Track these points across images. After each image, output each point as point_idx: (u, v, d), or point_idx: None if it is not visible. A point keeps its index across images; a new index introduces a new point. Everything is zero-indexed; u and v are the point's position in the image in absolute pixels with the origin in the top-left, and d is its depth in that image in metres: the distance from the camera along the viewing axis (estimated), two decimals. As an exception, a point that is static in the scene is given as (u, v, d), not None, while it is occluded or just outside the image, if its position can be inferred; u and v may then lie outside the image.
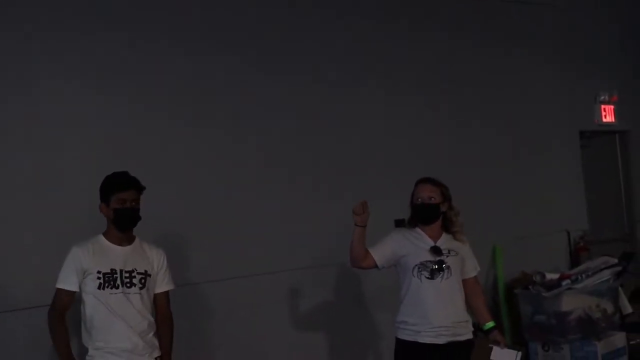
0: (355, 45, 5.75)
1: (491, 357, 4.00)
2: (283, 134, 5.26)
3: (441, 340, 3.88)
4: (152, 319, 3.62)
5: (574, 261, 7.07)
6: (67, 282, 3.50)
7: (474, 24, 6.67)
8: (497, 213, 6.50)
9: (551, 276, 5.91)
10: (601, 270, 5.99)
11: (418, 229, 4.05)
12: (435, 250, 3.95)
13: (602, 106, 7.81)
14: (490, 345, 4.01)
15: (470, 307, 4.11)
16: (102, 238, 3.59)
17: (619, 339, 5.83)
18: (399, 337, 4.00)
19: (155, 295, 3.68)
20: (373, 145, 5.75)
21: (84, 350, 3.57)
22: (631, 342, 6.09)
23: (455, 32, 6.49)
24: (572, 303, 5.71)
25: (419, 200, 4.00)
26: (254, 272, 4.95)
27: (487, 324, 4.09)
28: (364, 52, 5.80)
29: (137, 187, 3.57)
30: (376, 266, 4.01)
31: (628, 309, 6.24)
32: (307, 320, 5.22)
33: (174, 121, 4.74)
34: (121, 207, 3.52)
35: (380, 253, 3.99)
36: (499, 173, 6.66)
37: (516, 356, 4.00)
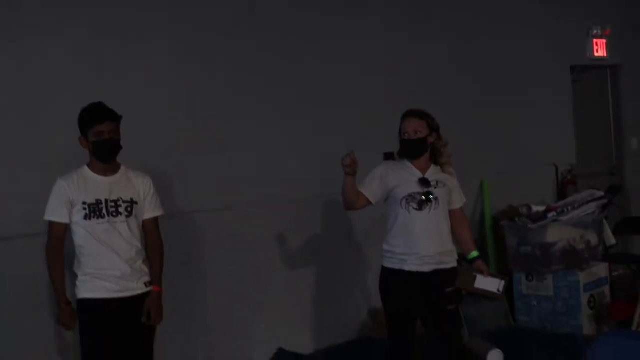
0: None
1: (475, 285, 4.11)
2: (271, 71, 5.24)
3: (426, 268, 3.99)
4: (140, 247, 3.70)
5: (561, 194, 7.15)
6: (57, 214, 3.57)
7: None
8: (486, 147, 6.56)
9: (537, 208, 5.99)
10: (587, 202, 6.07)
11: (406, 161, 4.11)
12: (424, 182, 4.03)
13: (595, 40, 7.78)
14: (474, 274, 4.11)
15: (455, 237, 4.22)
16: (86, 169, 3.63)
17: (601, 270, 5.95)
18: (385, 265, 4.11)
19: (144, 222, 3.74)
20: (361, 78, 5.72)
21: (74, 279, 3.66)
22: (613, 274, 6.23)
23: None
24: (557, 235, 5.81)
25: (405, 135, 4.04)
26: (243, 203, 5.00)
27: (471, 253, 4.20)
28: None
29: (113, 117, 3.58)
30: (370, 203, 4.09)
31: (612, 240, 6.35)
32: (295, 251, 5.30)
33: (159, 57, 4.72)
34: (99, 139, 3.54)
35: (371, 190, 4.07)
36: (489, 107, 6.68)
37: (499, 284, 4.11)
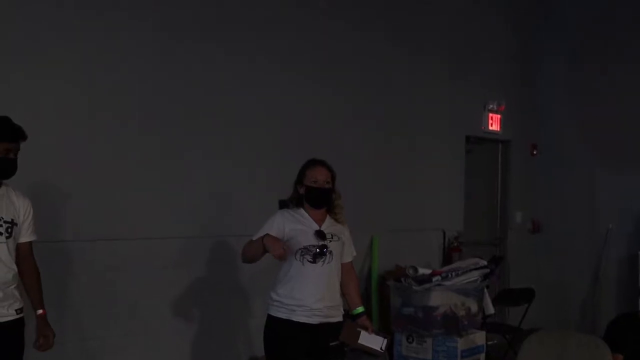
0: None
1: (359, 341, 4.07)
2: (169, 112, 5.17)
3: (314, 321, 3.94)
4: (16, 270, 3.48)
5: (446, 259, 7.31)
6: None
7: (371, 19, 6.69)
8: (379, 205, 6.64)
9: (423, 271, 6.08)
10: (471, 270, 6.21)
11: (302, 211, 4.05)
12: (320, 235, 3.97)
13: (490, 114, 8.09)
14: (358, 329, 4.07)
15: (342, 290, 4.18)
16: None
17: (479, 337, 6.07)
18: (273, 314, 4.01)
19: (19, 245, 3.53)
20: (257, 123, 5.70)
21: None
22: (489, 342, 6.37)
23: (360, 24, 6.51)
24: (440, 299, 5.90)
25: (315, 183, 3.99)
26: (130, 236, 4.85)
27: (357, 308, 4.17)
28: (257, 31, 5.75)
29: (16, 137, 3.39)
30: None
31: (491, 310, 6.51)
32: (177, 290, 5.16)
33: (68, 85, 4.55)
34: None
35: None
36: (385, 167, 6.79)
37: (382, 342, 4.09)
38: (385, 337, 4.13)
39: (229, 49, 5.51)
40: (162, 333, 5.05)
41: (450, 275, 6.05)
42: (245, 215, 5.26)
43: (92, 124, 4.73)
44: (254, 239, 3.95)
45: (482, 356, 6.07)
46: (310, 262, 3.93)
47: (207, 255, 5.36)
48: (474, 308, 6.14)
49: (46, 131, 4.34)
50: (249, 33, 5.61)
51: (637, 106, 7.98)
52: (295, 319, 3.93)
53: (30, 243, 3.59)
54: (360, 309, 4.17)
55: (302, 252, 3.94)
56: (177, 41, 5.18)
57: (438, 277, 5.99)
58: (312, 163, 4.06)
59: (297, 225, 3.99)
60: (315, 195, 4.01)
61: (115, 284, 4.79)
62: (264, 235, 3.85)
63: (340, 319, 4.08)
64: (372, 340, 4.08)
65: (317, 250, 3.93)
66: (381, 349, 4.10)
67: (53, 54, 4.54)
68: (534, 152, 8.69)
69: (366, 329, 4.09)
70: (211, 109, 5.40)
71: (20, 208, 3.50)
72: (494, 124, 8.15)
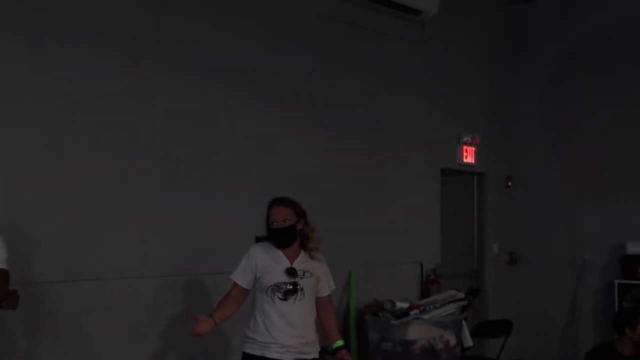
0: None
1: None
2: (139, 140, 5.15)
3: (287, 357, 3.95)
4: None
5: (424, 292, 7.29)
6: None
7: (345, 52, 6.75)
8: (356, 240, 6.62)
9: (401, 305, 6.07)
10: (448, 303, 6.22)
11: (275, 248, 4.08)
12: (290, 272, 4.00)
13: (464, 147, 8.16)
14: None
15: (321, 324, 4.19)
16: None
17: (457, 371, 6.06)
18: (247, 351, 4.03)
19: None
20: (231, 158, 5.70)
21: None
22: (468, 375, 6.36)
23: (324, 56, 6.54)
24: (418, 332, 5.90)
25: (274, 224, 4.03)
26: (103, 275, 4.81)
27: (336, 342, 4.17)
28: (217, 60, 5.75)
29: None
30: (249, 291, 4.09)
31: (469, 342, 6.50)
32: (153, 330, 5.10)
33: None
34: None
35: (246, 279, 4.06)
36: (361, 201, 6.80)
37: None
38: None
39: (198, 82, 5.52)
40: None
41: (428, 309, 6.05)
42: (221, 252, 5.24)
43: (61, 163, 4.71)
44: (232, 277, 4.08)
45: (462, 389, 6.05)
46: (281, 299, 3.95)
47: (180, 295, 5.30)
48: (453, 341, 6.14)
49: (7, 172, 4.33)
50: (216, 66, 5.63)
51: (613, 138, 8.08)
52: (268, 355, 3.94)
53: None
54: (339, 343, 4.17)
55: (272, 289, 3.97)
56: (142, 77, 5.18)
57: (416, 311, 5.99)
58: (271, 204, 4.10)
59: (269, 262, 4.02)
60: (274, 236, 4.05)
61: (90, 326, 4.72)
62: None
63: (316, 355, 4.08)
64: None
65: (289, 286, 3.95)
66: None
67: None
68: (509, 184, 8.76)
69: None
70: (184, 145, 5.39)
71: None
72: (469, 156, 8.21)
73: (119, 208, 4.97)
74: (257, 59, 5.93)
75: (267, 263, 4.01)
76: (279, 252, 4.05)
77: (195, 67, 5.49)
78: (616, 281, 7.71)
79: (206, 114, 5.53)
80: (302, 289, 3.98)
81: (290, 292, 3.95)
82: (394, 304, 6.04)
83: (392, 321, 5.91)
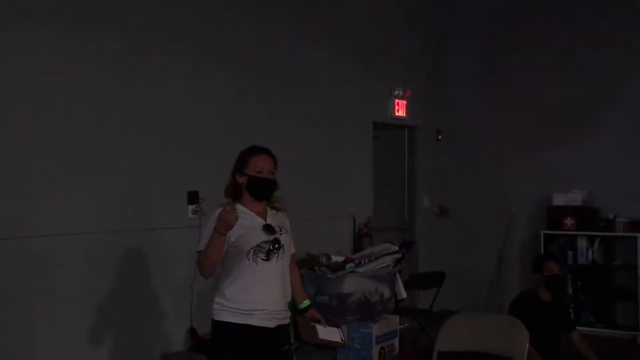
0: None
1: (319, 337, 3.80)
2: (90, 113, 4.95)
3: (272, 324, 3.60)
4: None
5: (357, 246, 7.32)
6: None
7: (270, 7, 6.59)
8: (289, 194, 6.46)
9: (336, 259, 6.04)
10: (383, 256, 6.21)
11: (240, 206, 3.60)
12: (268, 229, 3.60)
13: (396, 100, 8.14)
14: (312, 324, 3.82)
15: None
16: None
17: (392, 322, 6.09)
18: (224, 319, 3.58)
19: None
20: (172, 117, 5.57)
21: None
22: (401, 326, 6.40)
23: (252, 15, 6.36)
24: (353, 286, 5.87)
25: (260, 173, 3.62)
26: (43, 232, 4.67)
27: (304, 301, 3.93)
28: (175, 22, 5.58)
29: None
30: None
31: (403, 294, 6.54)
32: (99, 287, 5.00)
33: None
34: None
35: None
36: (294, 155, 6.69)
37: (339, 332, 3.91)
38: (338, 327, 3.95)
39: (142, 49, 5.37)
40: (82, 330, 4.90)
41: (363, 262, 6.03)
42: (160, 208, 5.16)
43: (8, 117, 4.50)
44: (200, 249, 3.54)
45: (396, 340, 6.09)
46: (264, 260, 3.55)
47: (122, 249, 5.17)
48: (387, 293, 6.16)
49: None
50: (161, 33, 5.49)
51: (540, 92, 8.24)
52: (252, 322, 3.55)
53: None
54: (307, 302, 3.92)
55: (254, 250, 3.55)
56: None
57: (351, 264, 5.96)
58: (256, 150, 3.69)
59: (243, 222, 3.52)
60: (261, 187, 3.65)
61: (30, 284, 4.59)
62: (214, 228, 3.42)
63: (288, 320, 3.75)
64: (330, 334, 3.85)
65: (270, 245, 3.58)
66: (342, 339, 3.91)
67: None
68: (439, 137, 8.82)
69: (318, 321, 3.84)
70: (121, 104, 5.21)
71: None
72: (400, 109, 8.21)
73: (58, 165, 4.79)
74: (197, 23, 5.77)
75: (241, 223, 3.48)
76: (248, 210, 3.60)
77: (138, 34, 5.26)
78: (542, 232, 7.93)
79: (148, 75, 5.39)
80: (282, 246, 3.61)
81: (272, 250, 3.55)
82: (329, 258, 5.99)
83: (328, 275, 5.87)
